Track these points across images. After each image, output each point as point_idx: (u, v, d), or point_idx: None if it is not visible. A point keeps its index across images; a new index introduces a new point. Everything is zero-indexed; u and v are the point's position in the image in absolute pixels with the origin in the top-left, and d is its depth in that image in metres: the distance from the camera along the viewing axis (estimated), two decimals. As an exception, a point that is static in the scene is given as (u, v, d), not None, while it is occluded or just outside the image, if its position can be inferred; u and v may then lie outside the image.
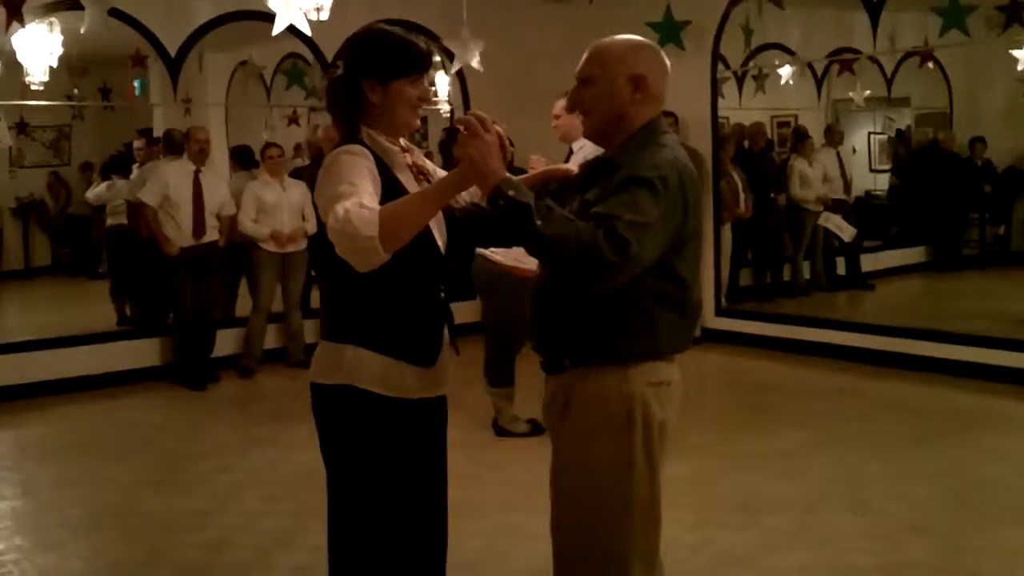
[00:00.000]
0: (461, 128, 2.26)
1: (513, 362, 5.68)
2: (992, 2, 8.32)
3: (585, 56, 2.51)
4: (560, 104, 5.32)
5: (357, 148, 2.44)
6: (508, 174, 2.25)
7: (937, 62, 11.46)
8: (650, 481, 2.42)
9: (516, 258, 5.04)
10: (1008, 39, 8.88)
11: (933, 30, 7.44)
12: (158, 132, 8.89)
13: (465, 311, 6.73)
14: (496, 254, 5.26)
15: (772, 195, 9.84)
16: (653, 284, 2.35)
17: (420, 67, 2.53)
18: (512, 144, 6.57)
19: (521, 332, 5.29)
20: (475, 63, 7.65)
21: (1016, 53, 8.28)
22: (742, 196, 9.08)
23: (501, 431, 5.77)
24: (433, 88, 9.19)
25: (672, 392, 2.48)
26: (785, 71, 10.63)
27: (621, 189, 2.27)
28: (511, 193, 2.19)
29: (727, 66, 9.23)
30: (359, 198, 2.23)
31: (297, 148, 10.46)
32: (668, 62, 2.51)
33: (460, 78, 9.00)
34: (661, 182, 2.28)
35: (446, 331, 2.61)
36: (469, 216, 2.64)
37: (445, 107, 9.59)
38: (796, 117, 11.70)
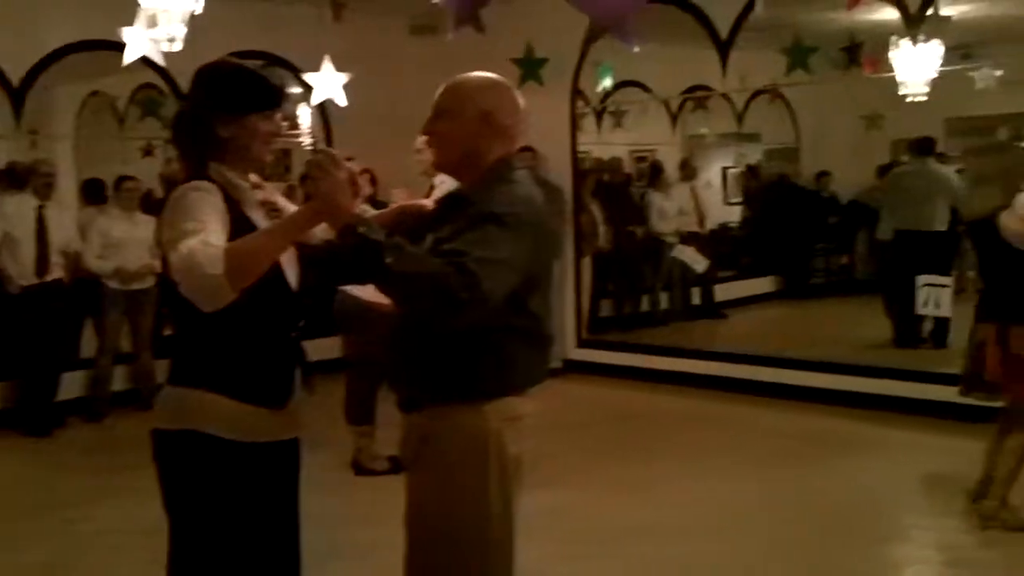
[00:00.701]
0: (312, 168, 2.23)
1: (374, 399, 5.61)
2: (836, 43, 8.75)
3: (439, 91, 2.52)
4: (423, 138, 5.30)
5: (205, 184, 2.37)
6: (359, 211, 2.23)
7: (785, 99, 11.98)
8: (504, 516, 2.42)
9: (376, 293, 4.98)
10: (850, 77, 9.35)
11: (781, 69, 7.75)
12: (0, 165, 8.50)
13: (327, 348, 6.64)
14: (356, 289, 5.19)
15: (631, 228, 10.06)
16: (506, 320, 2.35)
17: (274, 102, 2.49)
18: (375, 180, 6.52)
19: (382, 368, 5.22)
20: (338, 96, 7.58)
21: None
22: (602, 229, 9.26)
23: (361, 470, 5.68)
24: (285, 122, 9.05)
25: (527, 426, 2.48)
26: (641, 108, 10.93)
27: (473, 225, 2.27)
28: (362, 230, 2.17)
29: (586, 102, 9.42)
30: (205, 235, 2.17)
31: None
32: (521, 99, 2.54)
33: (322, 111, 8.91)
34: (512, 218, 2.29)
35: (300, 371, 2.54)
36: (323, 253, 2.59)
37: (308, 140, 9.46)
38: (654, 151, 12.02)
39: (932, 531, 4.80)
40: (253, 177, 2.54)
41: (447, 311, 2.19)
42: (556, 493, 5.03)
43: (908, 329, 8.21)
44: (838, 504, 5.06)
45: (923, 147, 8.88)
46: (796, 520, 4.85)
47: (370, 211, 4.10)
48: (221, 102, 2.43)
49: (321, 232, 2.62)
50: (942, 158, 9.20)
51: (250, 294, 2.19)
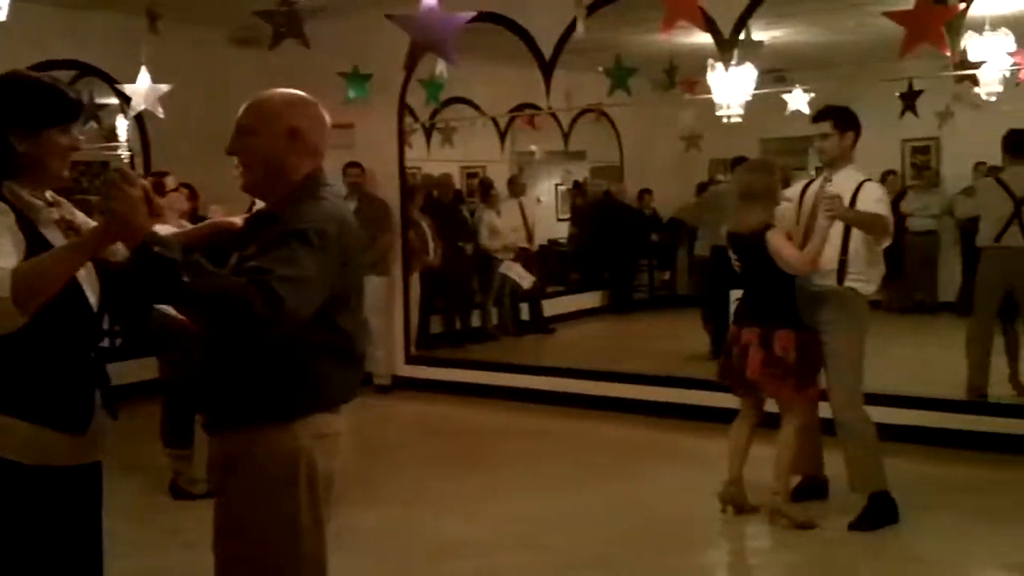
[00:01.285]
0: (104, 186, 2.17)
1: (192, 421, 5.44)
2: (658, 66, 9.05)
3: (244, 107, 2.49)
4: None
5: None
6: (155, 229, 2.18)
7: (609, 119, 12.34)
8: (316, 535, 2.41)
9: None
10: (670, 98, 9.70)
11: (605, 89, 7.96)
12: None
13: (145, 368, 6.41)
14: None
15: (460, 244, 10.13)
16: (315, 337, 2.34)
17: (71, 115, 2.41)
18: (195, 195, 6.32)
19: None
20: (154, 107, 7.33)
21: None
22: (431, 245, 9.28)
23: (179, 493, 5.50)
24: (83, 137, 8.71)
25: (337, 443, 2.48)
26: (470, 125, 11.05)
27: (278, 243, 2.25)
28: (157, 250, 2.12)
29: (415, 118, 9.44)
30: None
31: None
32: (327, 115, 2.53)
33: (139, 123, 8.61)
34: (318, 235, 2.28)
35: (100, 394, 2.45)
36: (121, 272, 2.51)
37: (125, 153, 9.13)
38: (484, 168, 12.14)
39: (740, 537, 5.02)
40: (49, 194, 2.45)
41: (248, 330, 2.16)
42: (382, 510, 5.01)
43: (724, 342, 8.53)
44: (654, 514, 5.21)
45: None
46: (613, 531, 4.96)
47: (186, 226, 4.00)
48: (15, 116, 2.34)
49: (124, 250, 2.54)
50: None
51: (46, 314, 2.12)
